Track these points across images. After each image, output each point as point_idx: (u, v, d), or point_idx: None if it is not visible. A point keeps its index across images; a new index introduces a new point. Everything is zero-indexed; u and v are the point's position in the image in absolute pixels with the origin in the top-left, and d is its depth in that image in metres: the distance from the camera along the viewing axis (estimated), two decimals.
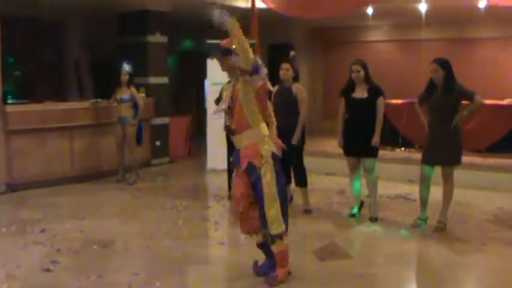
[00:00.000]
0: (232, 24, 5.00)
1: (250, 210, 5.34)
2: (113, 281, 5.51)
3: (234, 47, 5.12)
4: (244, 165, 5.25)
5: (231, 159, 5.69)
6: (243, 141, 5.28)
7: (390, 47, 15.31)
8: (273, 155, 5.25)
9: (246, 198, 5.31)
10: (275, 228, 5.18)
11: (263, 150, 5.21)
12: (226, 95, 5.39)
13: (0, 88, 9.29)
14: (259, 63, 5.09)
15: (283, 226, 5.23)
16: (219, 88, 10.70)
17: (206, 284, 5.50)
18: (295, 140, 7.63)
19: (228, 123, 5.45)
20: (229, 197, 8.70)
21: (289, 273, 5.47)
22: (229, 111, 5.34)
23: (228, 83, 5.55)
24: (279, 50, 14.01)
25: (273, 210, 5.17)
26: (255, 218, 5.33)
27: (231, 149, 8.00)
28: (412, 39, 14.53)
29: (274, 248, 5.28)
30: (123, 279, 5.52)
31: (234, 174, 5.54)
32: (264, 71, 5.11)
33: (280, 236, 5.23)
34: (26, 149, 9.57)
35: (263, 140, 5.26)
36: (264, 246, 5.46)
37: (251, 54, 5.03)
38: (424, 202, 7.24)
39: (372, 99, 7.31)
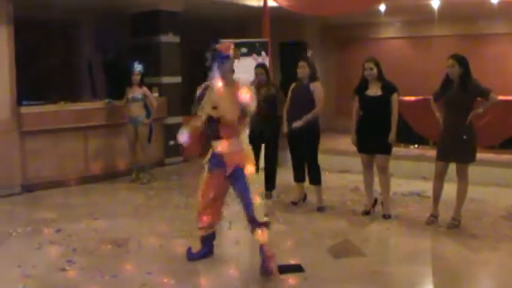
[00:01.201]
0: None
1: (211, 208, 5.93)
2: (127, 280, 5.55)
3: (231, 53, 5.58)
4: (230, 169, 5.63)
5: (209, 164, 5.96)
6: (230, 147, 5.67)
7: (403, 43, 15.25)
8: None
9: (216, 192, 5.90)
10: (261, 217, 5.57)
11: (249, 157, 5.71)
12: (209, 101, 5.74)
13: (15, 90, 9.35)
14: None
15: (264, 216, 5.66)
16: None
17: (220, 283, 5.53)
18: (299, 123, 7.71)
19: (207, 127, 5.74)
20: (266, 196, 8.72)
21: (303, 270, 5.56)
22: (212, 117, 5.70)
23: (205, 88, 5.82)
24: (290, 49, 14.04)
25: (258, 201, 5.59)
26: (213, 213, 5.99)
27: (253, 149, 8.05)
28: (425, 35, 14.48)
29: (262, 237, 5.58)
30: (137, 278, 5.56)
31: (206, 175, 5.96)
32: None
33: (266, 224, 5.60)
34: (40, 150, 9.63)
35: (248, 148, 5.79)
36: (208, 239, 6.06)
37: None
38: (436, 199, 7.23)
39: (386, 97, 7.31)
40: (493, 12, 11.12)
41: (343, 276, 5.58)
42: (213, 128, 5.68)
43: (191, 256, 6.03)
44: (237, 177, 5.63)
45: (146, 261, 6.08)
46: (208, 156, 5.89)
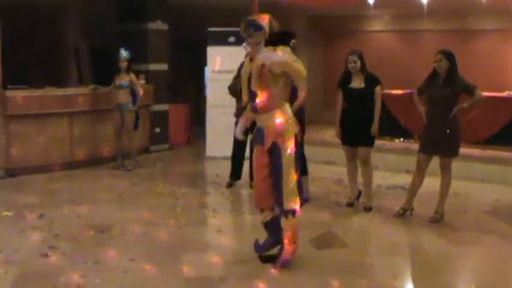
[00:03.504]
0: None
1: (266, 186, 5.44)
2: (110, 267, 5.54)
3: (264, 23, 5.30)
4: (268, 145, 5.35)
5: (250, 139, 5.74)
6: (268, 120, 5.35)
7: (391, 37, 15.25)
8: (295, 137, 5.38)
9: (265, 170, 5.42)
10: (289, 204, 5.29)
11: (288, 131, 5.32)
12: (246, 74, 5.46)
13: (0, 74, 9.28)
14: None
15: (298, 202, 5.34)
16: (219, 76, 10.82)
17: (203, 271, 5.52)
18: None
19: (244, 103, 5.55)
20: (228, 185, 8.80)
21: (288, 263, 5.52)
22: (250, 90, 5.42)
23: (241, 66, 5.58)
24: (278, 37, 13.99)
25: (290, 186, 5.28)
26: (270, 195, 5.43)
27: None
28: (413, 29, 14.49)
29: (286, 225, 5.36)
30: (119, 264, 5.55)
31: (254, 151, 5.65)
32: None
33: (293, 212, 5.33)
34: (25, 134, 9.57)
35: (288, 121, 5.36)
36: (269, 225, 5.55)
37: (302, 70, 5.28)
38: (412, 191, 7.28)
39: (370, 89, 7.34)
40: (482, 8, 11.15)
41: (325, 267, 5.60)
42: (253, 102, 5.44)
43: (258, 249, 5.68)
44: (273, 154, 5.34)
45: (129, 248, 6.07)
46: (254, 131, 5.70)
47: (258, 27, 5.30)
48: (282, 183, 5.28)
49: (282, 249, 5.47)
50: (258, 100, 5.33)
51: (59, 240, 6.24)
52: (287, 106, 5.42)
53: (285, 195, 5.29)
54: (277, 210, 5.45)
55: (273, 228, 5.53)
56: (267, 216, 5.56)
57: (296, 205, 5.33)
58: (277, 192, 5.34)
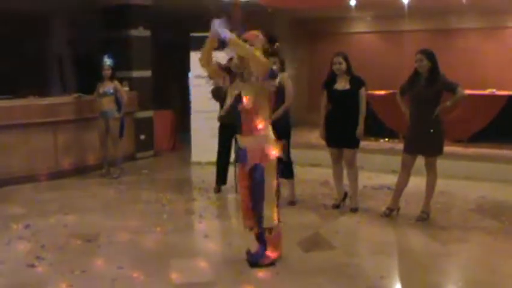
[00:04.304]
0: (233, 42, 5.14)
1: (249, 205, 5.63)
2: (97, 275, 5.52)
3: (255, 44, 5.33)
4: (250, 165, 5.49)
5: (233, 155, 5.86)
6: (251, 142, 5.47)
7: (374, 38, 15.33)
8: (278, 158, 5.54)
9: (248, 191, 5.60)
10: (268, 222, 5.49)
11: (271, 153, 5.45)
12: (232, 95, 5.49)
13: None
14: (274, 67, 5.39)
15: (275, 220, 5.52)
16: (203, 81, 10.79)
17: (191, 277, 5.51)
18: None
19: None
20: (216, 191, 8.81)
21: (273, 264, 5.58)
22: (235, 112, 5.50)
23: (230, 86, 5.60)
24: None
25: (270, 209, 5.48)
26: (253, 214, 5.61)
27: (224, 142, 8.05)
28: (396, 30, 14.59)
29: (269, 237, 5.56)
30: (107, 273, 5.53)
31: (238, 169, 5.80)
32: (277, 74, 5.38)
33: (273, 228, 5.54)
34: (9, 145, 9.50)
35: (270, 142, 5.48)
36: (260, 236, 5.68)
37: (262, 60, 5.21)
38: (398, 191, 7.31)
39: (354, 91, 7.35)
40: (462, 7, 11.23)
41: (313, 269, 5.61)
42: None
43: (251, 258, 5.68)
44: (256, 172, 5.50)
45: (117, 256, 6.04)
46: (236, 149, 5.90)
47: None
48: (263, 202, 5.46)
49: (263, 255, 5.62)
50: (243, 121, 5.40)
51: (46, 250, 6.21)
52: (269, 127, 5.52)
53: (265, 213, 5.46)
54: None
55: (264, 239, 5.67)
56: (256, 230, 5.70)
57: (275, 221, 5.52)
58: (258, 211, 5.50)
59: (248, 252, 5.75)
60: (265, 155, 5.42)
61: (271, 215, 5.49)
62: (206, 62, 5.46)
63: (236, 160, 5.94)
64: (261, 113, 5.39)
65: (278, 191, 5.62)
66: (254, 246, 5.75)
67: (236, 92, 5.44)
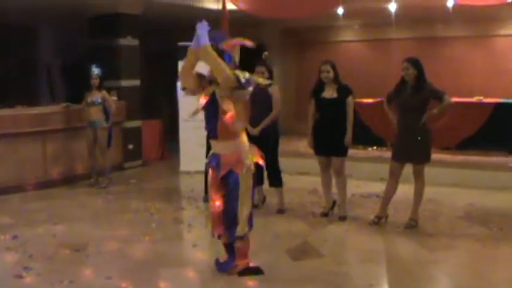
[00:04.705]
0: (203, 50, 5.15)
1: (220, 213, 5.58)
2: (86, 285, 5.51)
3: (233, 55, 5.40)
4: (223, 172, 5.44)
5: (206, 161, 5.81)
6: (225, 148, 5.43)
7: (362, 46, 15.40)
8: (256, 164, 5.54)
9: (219, 199, 5.56)
10: (241, 230, 5.47)
11: (247, 159, 5.42)
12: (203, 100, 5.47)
13: None
14: (248, 77, 5.31)
15: (247, 228, 5.51)
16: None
17: (179, 286, 5.52)
18: (255, 131, 7.61)
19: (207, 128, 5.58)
20: (205, 200, 8.81)
21: (262, 272, 5.59)
22: (208, 116, 5.49)
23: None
24: (250, 51, 14.03)
25: (244, 214, 5.45)
26: (225, 222, 5.58)
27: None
28: (383, 38, 14.66)
29: (239, 245, 5.55)
30: (96, 283, 5.52)
31: (209, 175, 5.72)
32: (253, 83, 5.37)
33: (245, 236, 5.52)
34: None
35: (246, 149, 5.47)
36: (229, 245, 5.68)
37: (227, 72, 5.15)
38: (386, 199, 7.33)
39: (342, 99, 7.37)
40: (449, 16, 11.29)
41: (301, 277, 5.61)
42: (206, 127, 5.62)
43: (221, 267, 5.73)
44: (230, 178, 5.47)
45: (105, 265, 6.03)
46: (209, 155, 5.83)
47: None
48: (236, 210, 5.45)
49: (232, 264, 5.64)
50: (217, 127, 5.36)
51: (34, 260, 6.17)
52: (244, 134, 5.52)
53: (240, 221, 5.46)
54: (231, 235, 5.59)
55: (232, 248, 5.69)
56: (224, 239, 5.71)
57: (246, 230, 5.51)
58: (231, 217, 5.49)
59: (217, 262, 5.77)
60: (240, 162, 5.39)
61: (245, 223, 5.47)
62: (186, 73, 5.47)
63: (206, 166, 5.83)
64: (238, 120, 5.34)
65: (253, 199, 5.65)
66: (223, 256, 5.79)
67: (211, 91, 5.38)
